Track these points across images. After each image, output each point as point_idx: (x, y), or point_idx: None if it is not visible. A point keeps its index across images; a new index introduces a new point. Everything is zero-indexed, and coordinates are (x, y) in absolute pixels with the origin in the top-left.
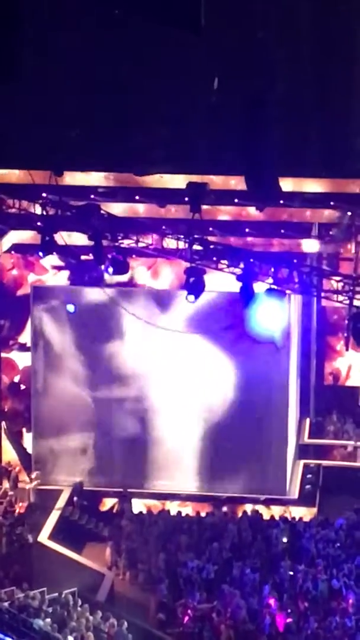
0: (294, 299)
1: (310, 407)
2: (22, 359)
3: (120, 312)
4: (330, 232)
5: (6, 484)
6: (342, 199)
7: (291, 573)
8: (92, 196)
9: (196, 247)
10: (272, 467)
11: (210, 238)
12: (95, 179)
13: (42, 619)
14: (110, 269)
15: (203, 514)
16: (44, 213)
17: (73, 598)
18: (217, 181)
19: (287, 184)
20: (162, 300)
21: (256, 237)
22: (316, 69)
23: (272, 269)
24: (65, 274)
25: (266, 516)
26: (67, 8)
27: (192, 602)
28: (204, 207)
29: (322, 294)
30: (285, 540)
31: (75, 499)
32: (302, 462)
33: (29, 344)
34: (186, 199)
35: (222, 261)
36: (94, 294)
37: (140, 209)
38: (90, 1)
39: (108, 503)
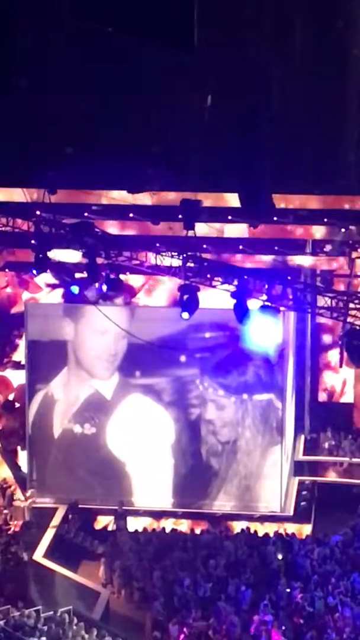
0: (288, 316)
1: (305, 424)
2: (17, 377)
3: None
4: (325, 249)
5: (1, 502)
6: (335, 216)
7: (287, 590)
8: (85, 214)
9: (190, 264)
10: (267, 483)
11: (204, 255)
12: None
13: (38, 637)
14: (105, 287)
15: (198, 532)
16: (38, 231)
17: (68, 616)
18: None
19: (281, 201)
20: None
21: (250, 254)
22: (309, 86)
23: (266, 286)
24: (60, 291)
25: (261, 533)
26: (60, 26)
27: (187, 619)
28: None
29: (316, 311)
30: (280, 557)
31: (70, 516)
32: (297, 479)
33: (23, 362)
34: (180, 216)
35: (216, 278)
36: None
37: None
38: (84, 19)
39: (103, 521)
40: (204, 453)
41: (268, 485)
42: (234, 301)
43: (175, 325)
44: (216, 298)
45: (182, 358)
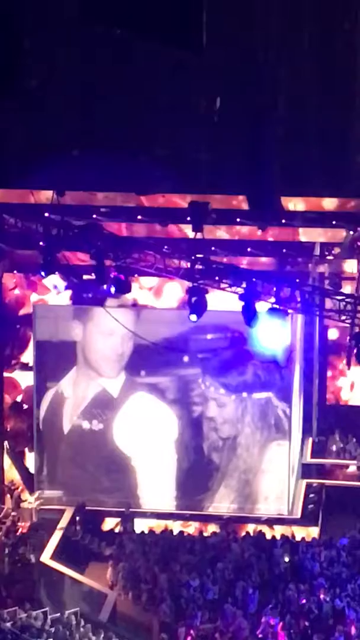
0: (296, 319)
1: (312, 427)
2: (25, 379)
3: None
4: (333, 252)
5: (9, 504)
6: (344, 218)
7: (294, 593)
8: (94, 216)
9: (198, 266)
10: (266, 478)
11: (213, 257)
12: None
13: (45, 639)
14: (113, 289)
15: (205, 534)
16: (46, 233)
17: (76, 618)
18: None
19: (289, 203)
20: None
21: (258, 257)
22: (317, 87)
23: (275, 289)
24: (68, 293)
25: (268, 536)
26: (68, 27)
27: (194, 622)
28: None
29: (325, 314)
30: (287, 560)
31: (77, 518)
32: (304, 481)
33: (31, 364)
34: (188, 218)
35: (225, 280)
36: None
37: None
38: (92, 21)
39: (110, 523)
40: (206, 448)
41: (267, 480)
42: (234, 303)
43: (179, 327)
44: (217, 300)
45: (185, 358)
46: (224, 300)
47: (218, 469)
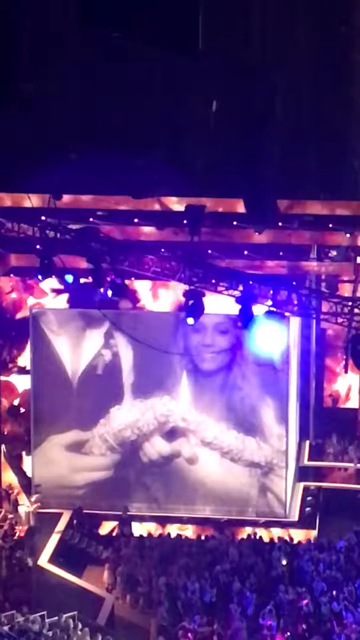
0: (293, 321)
1: (309, 429)
2: (22, 382)
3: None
4: (330, 255)
5: (6, 507)
6: (340, 221)
7: (291, 596)
8: (90, 219)
9: (195, 269)
10: (272, 489)
11: (210, 260)
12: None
13: None
14: (110, 292)
15: (203, 537)
16: (43, 236)
17: (73, 622)
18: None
19: (286, 206)
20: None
21: (255, 260)
22: (313, 92)
23: (271, 292)
24: (65, 296)
25: (266, 539)
26: (65, 31)
27: (192, 625)
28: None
29: (321, 316)
30: (285, 562)
31: (74, 522)
32: (302, 484)
33: (28, 367)
34: (185, 221)
35: (221, 283)
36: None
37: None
38: (90, 25)
39: (107, 526)
40: None
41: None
42: (225, 306)
43: (170, 329)
44: (208, 303)
45: (176, 359)
46: (214, 303)
47: None
